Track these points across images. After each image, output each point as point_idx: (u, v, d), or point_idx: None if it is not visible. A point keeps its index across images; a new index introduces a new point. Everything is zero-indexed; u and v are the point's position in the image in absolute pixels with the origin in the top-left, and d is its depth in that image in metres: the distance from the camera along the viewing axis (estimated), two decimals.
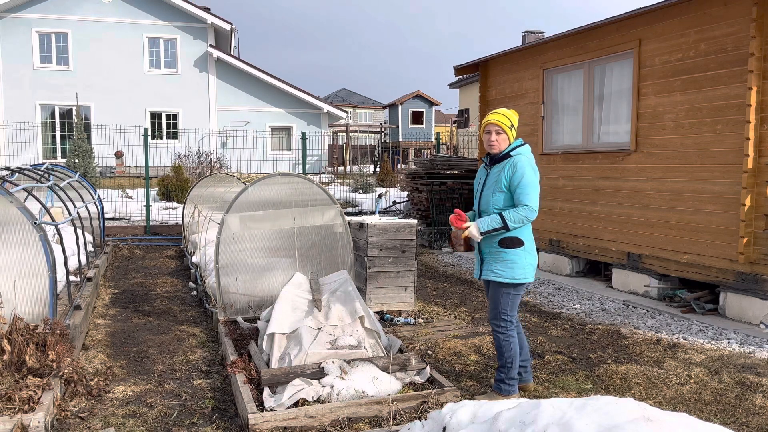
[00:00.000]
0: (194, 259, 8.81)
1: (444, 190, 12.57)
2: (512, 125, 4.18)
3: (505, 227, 3.98)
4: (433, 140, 35.74)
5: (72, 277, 6.80)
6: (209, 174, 14.36)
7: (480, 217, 4.21)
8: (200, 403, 4.33)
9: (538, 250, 9.50)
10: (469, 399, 4.17)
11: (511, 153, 4.13)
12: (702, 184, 6.77)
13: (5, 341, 4.23)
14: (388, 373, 4.31)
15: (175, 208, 14.50)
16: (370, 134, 45.55)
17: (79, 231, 7.47)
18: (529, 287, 8.24)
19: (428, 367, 4.51)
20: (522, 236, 4.08)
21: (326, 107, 26.50)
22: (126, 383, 4.69)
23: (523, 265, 4.09)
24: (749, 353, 5.38)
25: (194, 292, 7.88)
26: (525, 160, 4.07)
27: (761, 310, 6.16)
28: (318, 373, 4.18)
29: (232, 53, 26.50)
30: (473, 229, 4.06)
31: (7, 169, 8.26)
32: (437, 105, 40.75)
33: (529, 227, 4.14)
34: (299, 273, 5.70)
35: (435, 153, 23.60)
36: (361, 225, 6.55)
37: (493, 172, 4.16)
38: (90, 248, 8.82)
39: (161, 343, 5.79)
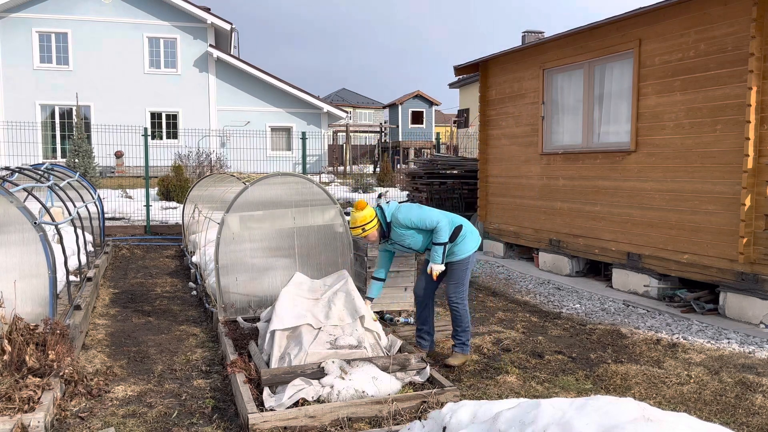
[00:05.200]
0: (194, 259, 8.81)
1: (444, 190, 12.57)
2: (364, 224, 4.90)
3: (444, 244, 4.90)
4: (433, 140, 35.72)
5: (72, 277, 6.80)
6: (209, 174, 14.35)
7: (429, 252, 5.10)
8: (200, 403, 4.33)
9: (538, 249, 9.53)
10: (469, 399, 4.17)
11: (390, 222, 4.99)
12: (702, 184, 6.77)
13: (5, 341, 4.23)
14: (388, 373, 4.32)
15: (175, 208, 14.50)
16: (370, 134, 45.51)
17: (79, 231, 7.47)
18: (528, 287, 8.24)
19: (428, 367, 4.51)
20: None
21: (326, 107, 26.50)
22: (126, 383, 4.69)
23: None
24: (749, 353, 5.38)
25: (194, 292, 7.88)
26: (401, 213, 4.95)
27: (761, 310, 6.16)
28: (318, 372, 4.18)
29: (232, 53, 26.50)
30: (436, 267, 4.93)
31: (7, 169, 8.26)
32: (437, 105, 40.71)
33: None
34: (299, 273, 5.70)
35: (435, 153, 23.60)
36: None
37: (399, 238, 5.03)
38: (90, 248, 8.81)
39: (161, 343, 5.79)
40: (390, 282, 6.46)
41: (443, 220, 4.91)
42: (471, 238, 5.08)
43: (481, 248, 11.10)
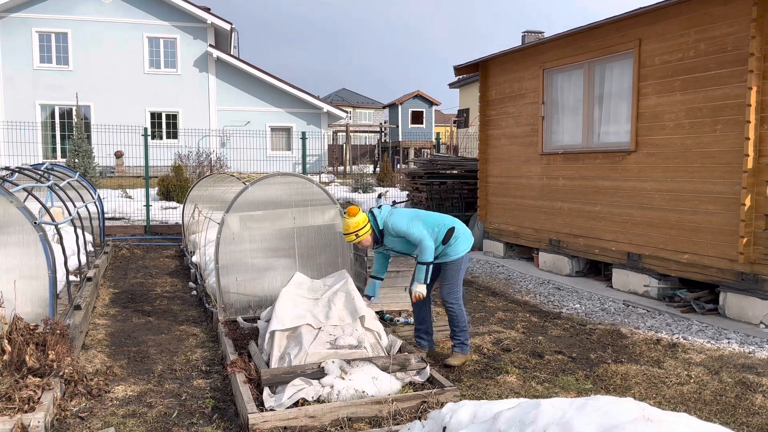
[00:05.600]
0: (194, 258, 8.81)
1: (444, 190, 12.57)
2: (357, 230, 4.91)
3: (427, 264, 4.84)
4: (433, 140, 35.73)
5: (72, 277, 6.80)
6: (209, 174, 14.35)
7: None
8: (200, 403, 4.33)
9: (538, 249, 9.53)
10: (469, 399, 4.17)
11: (381, 228, 5.00)
12: (702, 184, 6.77)
13: (5, 341, 4.23)
14: (388, 373, 4.32)
15: (175, 207, 14.50)
16: (370, 134, 45.51)
17: (79, 231, 7.47)
18: (528, 287, 8.25)
19: (428, 367, 4.51)
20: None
21: (326, 107, 26.49)
22: (126, 383, 4.69)
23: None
24: (749, 353, 5.38)
25: (194, 292, 7.88)
26: (391, 221, 4.93)
27: (761, 310, 6.16)
28: (318, 372, 4.18)
29: (232, 53, 26.49)
30: (418, 289, 4.91)
31: (7, 169, 8.26)
32: (437, 105, 40.70)
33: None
34: (299, 273, 5.70)
35: (435, 153, 23.59)
36: None
37: (392, 243, 5.07)
38: (90, 248, 8.81)
39: (161, 343, 5.79)
40: (389, 282, 6.46)
41: (427, 238, 4.83)
42: (464, 239, 5.06)
43: (480, 248, 11.10)
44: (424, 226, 4.94)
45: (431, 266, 4.87)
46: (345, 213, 5.02)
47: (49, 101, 23.33)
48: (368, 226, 4.93)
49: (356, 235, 4.92)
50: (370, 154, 39.04)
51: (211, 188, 10.48)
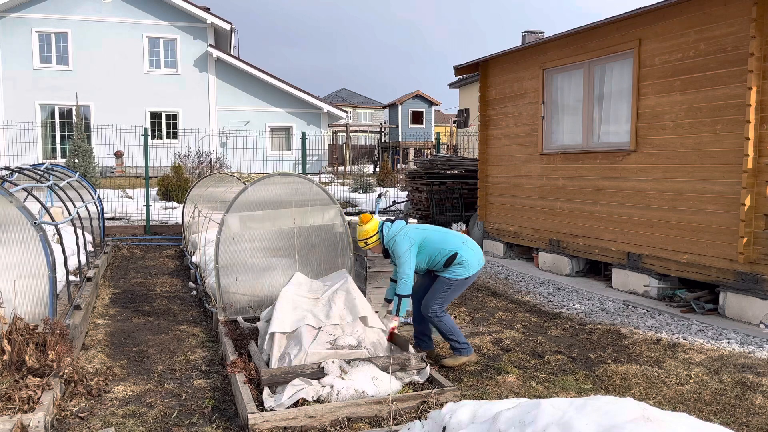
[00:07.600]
0: (194, 258, 8.81)
1: (444, 189, 12.57)
2: (366, 239, 5.03)
3: (401, 296, 4.88)
4: (433, 140, 35.73)
5: (72, 277, 6.80)
6: (209, 174, 14.34)
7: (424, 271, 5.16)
8: (200, 403, 4.33)
9: (538, 249, 9.53)
10: (469, 399, 4.17)
11: (385, 246, 5.06)
12: (702, 183, 6.78)
13: (5, 341, 4.23)
14: (388, 372, 4.32)
15: (175, 207, 14.49)
16: (370, 134, 45.49)
17: (79, 231, 7.47)
18: (529, 288, 8.25)
19: (428, 367, 4.51)
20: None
21: (326, 107, 26.48)
22: (126, 383, 4.69)
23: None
24: (749, 353, 5.38)
25: (194, 292, 7.88)
26: (394, 242, 4.95)
27: (761, 309, 6.16)
28: (318, 372, 4.18)
29: (231, 53, 26.48)
30: (393, 323, 4.88)
31: (7, 169, 8.26)
32: (437, 105, 40.68)
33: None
34: (299, 273, 5.70)
35: (435, 153, 23.59)
36: None
37: (394, 260, 5.09)
38: (90, 248, 8.81)
39: (161, 343, 5.79)
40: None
41: (410, 276, 4.82)
42: (467, 265, 4.93)
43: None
44: (423, 254, 4.92)
45: (406, 300, 4.90)
46: (359, 219, 5.10)
47: (49, 101, 23.32)
48: (376, 236, 5.02)
49: (365, 242, 5.06)
50: (370, 154, 39.04)
51: (211, 188, 10.48)
